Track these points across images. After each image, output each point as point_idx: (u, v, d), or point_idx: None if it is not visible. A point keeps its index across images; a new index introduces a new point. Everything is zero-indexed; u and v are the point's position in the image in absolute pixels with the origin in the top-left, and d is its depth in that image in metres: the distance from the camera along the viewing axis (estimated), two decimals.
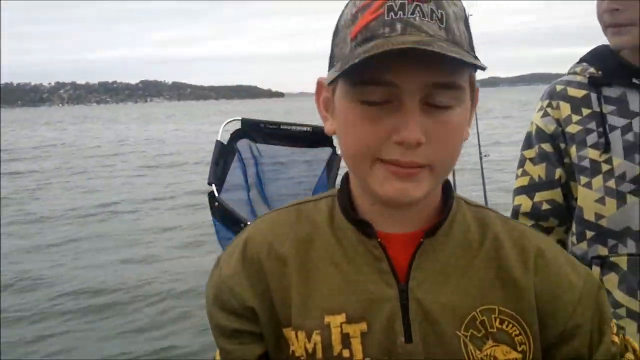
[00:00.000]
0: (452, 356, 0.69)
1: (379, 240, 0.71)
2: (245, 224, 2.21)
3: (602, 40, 1.33)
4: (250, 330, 0.76)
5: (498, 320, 0.70)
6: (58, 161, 16.98)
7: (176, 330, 4.32)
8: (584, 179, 1.30)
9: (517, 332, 0.71)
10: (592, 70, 1.33)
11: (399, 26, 0.60)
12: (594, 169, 1.29)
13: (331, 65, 0.68)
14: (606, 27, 1.26)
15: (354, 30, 0.62)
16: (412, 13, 0.60)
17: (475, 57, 0.64)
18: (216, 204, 2.22)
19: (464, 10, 0.67)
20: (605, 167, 1.28)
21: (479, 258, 0.73)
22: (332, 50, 0.68)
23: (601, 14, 1.27)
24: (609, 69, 1.31)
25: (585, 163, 1.30)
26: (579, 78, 1.33)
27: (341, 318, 0.71)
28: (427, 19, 0.60)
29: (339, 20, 0.68)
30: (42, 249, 6.88)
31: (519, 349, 0.70)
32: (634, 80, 1.29)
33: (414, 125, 0.62)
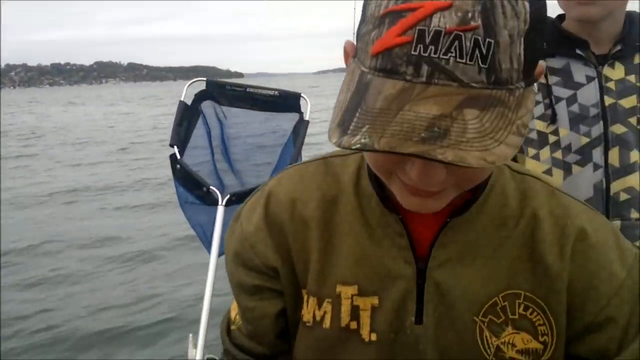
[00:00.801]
0: (464, 342, 0.65)
1: (400, 216, 0.66)
2: (208, 188, 2.13)
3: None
4: (270, 287, 0.74)
5: (522, 307, 0.66)
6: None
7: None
8: (532, 151, 1.33)
9: (541, 321, 0.66)
10: None
11: (424, 70, 0.49)
12: (542, 140, 1.32)
13: (358, 36, 0.57)
14: None
15: (375, 48, 0.51)
16: (447, 51, 0.48)
17: (529, 80, 0.53)
18: (178, 166, 2.13)
19: (530, 16, 0.51)
20: (552, 139, 1.31)
21: (512, 238, 0.66)
22: (360, 26, 0.56)
23: None
24: (552, 40, 1.32)
25: (533, 135, 1.33)
26: None
27: (353, 290, 0.68)
28: (464, 60, 0.48)
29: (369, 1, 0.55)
30: None
31: (541, 339, 0.66)
32: (578, 51, 1.31)
33: (426, 179, 0.54)
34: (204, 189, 2.12)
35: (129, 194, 9.06)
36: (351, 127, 0.50)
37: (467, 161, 0.47)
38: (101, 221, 7.33)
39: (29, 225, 7.06)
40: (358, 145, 0.49)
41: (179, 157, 2.15)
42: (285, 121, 2.40)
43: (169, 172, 2.20)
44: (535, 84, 0.55)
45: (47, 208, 8.19)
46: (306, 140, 2.37)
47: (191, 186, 2.15)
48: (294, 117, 2.42)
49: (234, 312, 0.81)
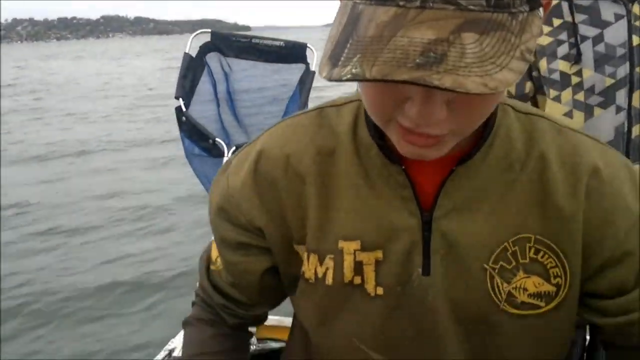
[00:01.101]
0: (475, 290, 0.64)
1: (403, 167, 0.63)
2: (214, 140, 2.15)
3: None
4: (256, 244, 0.72)
5: (533, 250, 0.64)
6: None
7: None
8: (553, 92, 1.29)
9: (553, 263, 0.64)
10: None
11: None
12: (564, 81, 1.27)
13: None
14: None
15: None
16: None
17: (533, 3, 0.49)
18: (183, 118, 2.14)
19: None
20: (575, 80, 1.27)
21: (520, 181, 0.64)
22: None
23: None
24: None
25: (555, 76, 1.28)
26: None
27: (355, 245, 0.66)
28: None
29: None
30: None
31: (553, 281, 0.64)
32: None
33: (426, 118, 0.51)
34: (210, 141, 2.14)
35: (142, 148, 9.14)
36: (342, 59, 0.47)
37: (466, 87, 0.43)
38: (114, 174, 7.43)
39: (43, 178, 7.18)
40: (349, 76, 0.46)
41: (184, 109, 2.16)
42: (292, 73, 2.38)
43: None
44: (541, 9, 0.51)
45: (60, 161, 8.31)
46: (315, 93, 2.35)
47: (197, 138, 2.16)
48: (301, 68, 2.40)
49: (215, 254, 0.78)
